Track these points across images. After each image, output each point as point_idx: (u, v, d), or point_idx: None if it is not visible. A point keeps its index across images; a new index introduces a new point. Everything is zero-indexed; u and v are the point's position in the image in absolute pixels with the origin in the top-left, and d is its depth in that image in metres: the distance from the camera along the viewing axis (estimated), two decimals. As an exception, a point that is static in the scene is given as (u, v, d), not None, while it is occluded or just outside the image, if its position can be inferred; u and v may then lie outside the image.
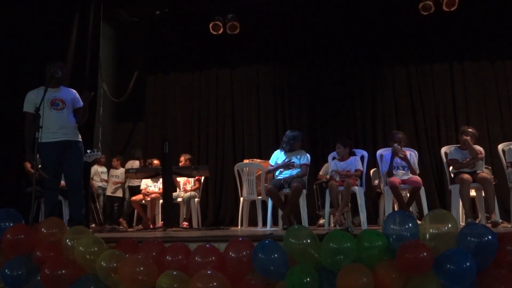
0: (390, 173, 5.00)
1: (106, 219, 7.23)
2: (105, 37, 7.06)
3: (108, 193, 7.43)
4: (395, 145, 4.98)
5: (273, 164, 5.34)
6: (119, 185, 7.46)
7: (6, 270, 2.96)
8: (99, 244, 2.95)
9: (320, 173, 6.51)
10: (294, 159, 5.24)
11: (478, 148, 4.88)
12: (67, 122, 4.18)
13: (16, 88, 5.22)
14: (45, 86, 4.02)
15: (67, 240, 3.01)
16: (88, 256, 2.88)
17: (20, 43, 5.47)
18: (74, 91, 4.37)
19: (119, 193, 7.49)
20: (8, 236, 3.05)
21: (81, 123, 4.33)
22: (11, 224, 3.17)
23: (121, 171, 7.41)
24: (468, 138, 4.82)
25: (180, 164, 6.58)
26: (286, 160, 5.24)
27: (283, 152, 5.36)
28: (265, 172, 5.61)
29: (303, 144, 5.68)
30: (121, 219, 7.17)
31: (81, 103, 4.32)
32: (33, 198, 3.75)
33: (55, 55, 5.07)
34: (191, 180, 6.63)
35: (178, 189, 6.63)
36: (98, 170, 7.47)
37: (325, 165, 6.50)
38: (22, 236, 3.07)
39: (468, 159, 4.82)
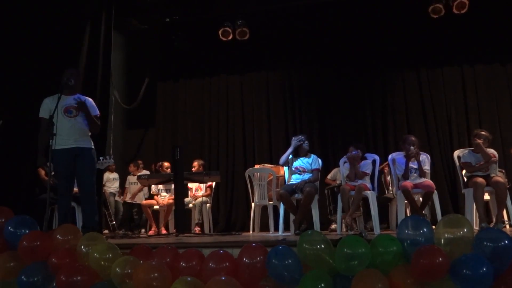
0: (406, 176, 4.98)
1: (123, 226, 7.25)
2: (116, 45, 7.12)
3: (126, 199, 7.47)
4: (412, 147, 4.95)
5: (285, 170, 5.34)
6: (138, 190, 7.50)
7: (23, 277, 2.99)
8: (113, 250, 2.97)
9: (328, 177, 6.49)
10: (305, 164, 5.24)
11: (492, 151, 4.83)
12: (79, 129, 4.22)
13: (29, 96, 5.29)
14: (59, 94, 4.08)
15: (82, 247, 3.04)
16: (102, 263, 2.90)
17: (34, 52, 5.54)
18: (90, 99, 4.41)
19: (137, 199, 7.52)
20: (24, 243, 3.08)
21: (95, 132, 4.37)
22: (27, 231, 3.20)
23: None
24: (481, 141, 4.77)
25: (193, 169, 6.60)
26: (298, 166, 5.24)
27: (291, 157, 5.35)
28: (279, 164, 5.54)
29: (314, 148, 5.68)
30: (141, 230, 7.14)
31: (97, 112, 4.37)
32: (47, 204, 3.79)
33: (67, 63, 5.13)
34: (203, 186, 6.65)
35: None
36: (109, 177, 7.51)
37: (334, 170, 6.49)
38: (38, 243, 3.09)
39: (481, 163, 4.77)
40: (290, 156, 5.35)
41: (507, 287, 2.42)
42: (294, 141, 5.31)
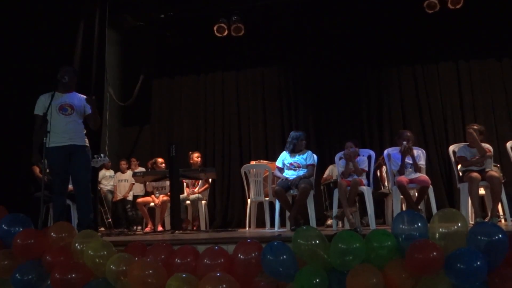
0: (402, 172, 4.96)
1: (119, 223, 7.24)
2: (111, 42, 7.09)
3: (120, 196, 7.46)
4: (404, 143, 4.93)
5: (279, 165, 5.33)
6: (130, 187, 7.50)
7: (17, 275, 2.97)
8: (108, 247, 2.96)
9: (324, 176, 6.47)
10: (300, 160, 5.23)
11: (487, 146, 4.84)
12: (74, 127, 4.20)
13: (24, 94, 5.27)
14: (53, 91, 4.06)
15: (77, 244, 3.02)
16: (97, 260, 2.89)
17: (28, 49, 5.52)
18: (85, 97, 4.39)
19: (129, 196, 7.52)
20: (18, 241, 3.07)
21: (96, 128, 4.37)
22: (21, 229, 3.18)
23: (129, 174, 7.43)
24: (472, 130, 4.77)
25: (198, 159, 6.54)
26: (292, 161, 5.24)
27: (288, 153, 5.34)
28: (273, 175, 5.60)
29: (309, 145, 5.67)
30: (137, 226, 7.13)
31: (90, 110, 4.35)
32: (42, 202, 3.77)
33: (61, 60, 5.11)
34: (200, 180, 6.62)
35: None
36: (105, 174, 7.51)
37: (329, 167, 6.48)
38: (32, 240, 3.07)
39: (476, 157, 4.78)
40: (285, 152, 5.36)
41: (501, 280, 2.43)
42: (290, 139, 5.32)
